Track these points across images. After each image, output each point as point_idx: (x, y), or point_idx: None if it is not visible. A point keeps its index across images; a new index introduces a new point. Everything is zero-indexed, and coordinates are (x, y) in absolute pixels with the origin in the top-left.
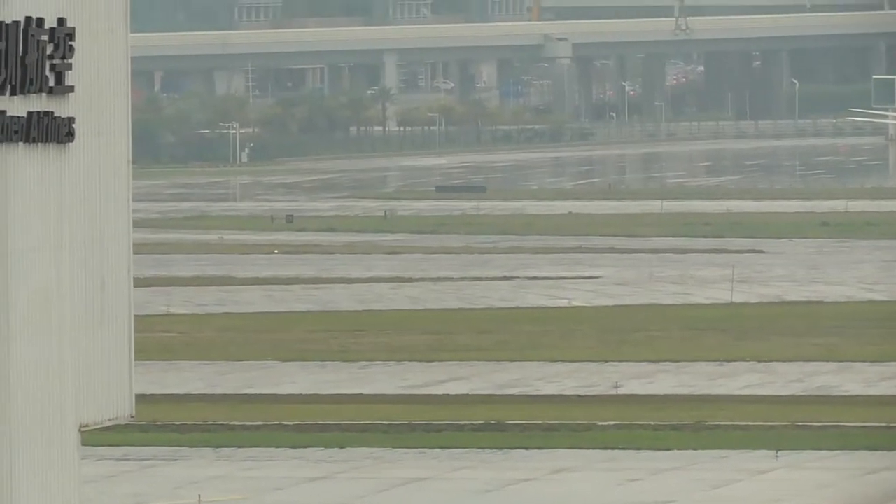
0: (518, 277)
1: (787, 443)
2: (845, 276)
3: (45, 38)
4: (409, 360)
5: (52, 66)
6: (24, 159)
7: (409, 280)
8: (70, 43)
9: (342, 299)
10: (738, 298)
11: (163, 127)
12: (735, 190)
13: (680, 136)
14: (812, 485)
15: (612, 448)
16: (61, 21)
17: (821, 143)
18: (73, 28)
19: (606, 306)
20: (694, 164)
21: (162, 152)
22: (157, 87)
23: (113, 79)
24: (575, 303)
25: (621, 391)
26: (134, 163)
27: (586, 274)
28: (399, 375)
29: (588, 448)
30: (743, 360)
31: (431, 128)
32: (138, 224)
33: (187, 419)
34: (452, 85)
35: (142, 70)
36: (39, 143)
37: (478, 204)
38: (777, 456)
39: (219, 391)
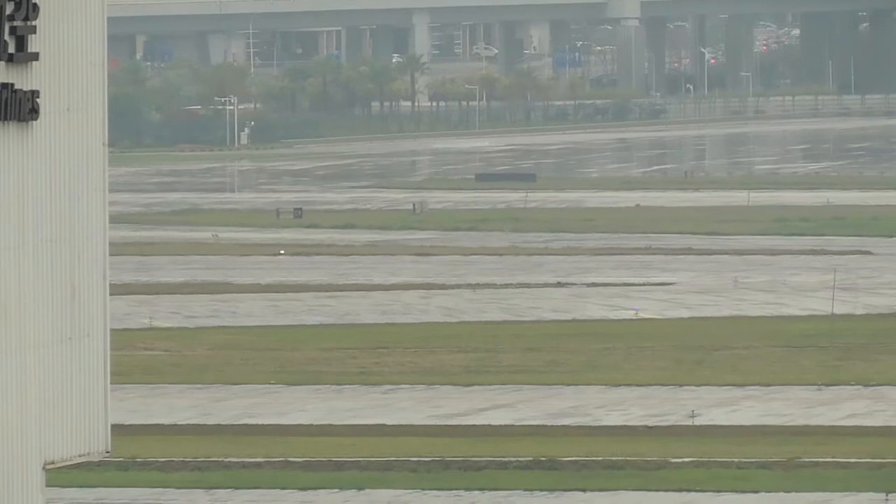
0: (574, 284)
1: None
2: None
3: None
4: (442, 384)
5: (13, 30)
6: None
7: (443, 287)
8: (34, 1)
9: (362, 310)
10: (840, 310)
11: (146, 102)
12: (837, 179)
13: (770, 113)
14: None
15: (688, 490)
16: None
17: None
18: None
19: (681, 318)
20: (787, 148)
21: (145, 133)
22: (139, 55)
23: (86, 44)
24: (643, 315)
25: (699, 421)
26: (111, 145)
27: (657, 280)
28: (430, 402)
29: (658, 490)
30: (847, 384)
31: (470, 103)
32: (116, 219)
33: (174, 455)
34: (496, 52)
35: (121, 34)
36: None
37: (526, 195)
38: (887, 500)
39: (212, 421)
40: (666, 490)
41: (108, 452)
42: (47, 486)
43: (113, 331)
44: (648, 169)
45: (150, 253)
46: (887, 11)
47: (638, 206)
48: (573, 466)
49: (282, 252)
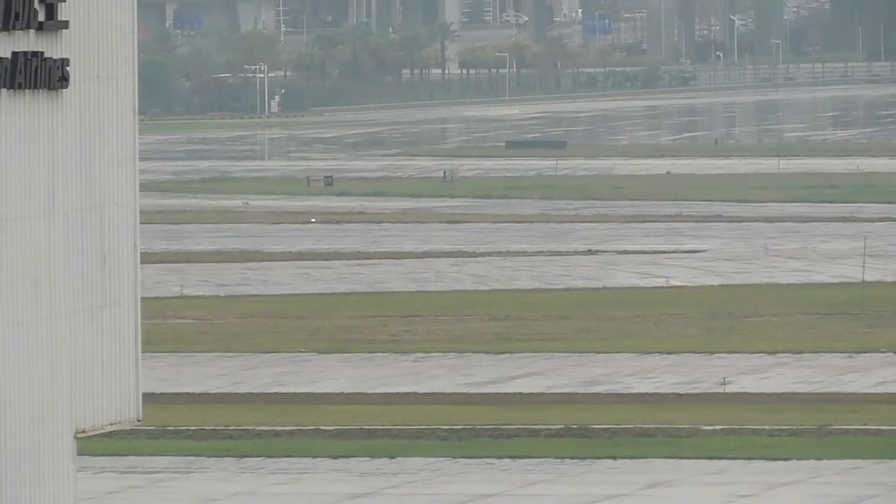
0: (605, 251)
1: None
2: None
3: None
4: (473, 352)
5: None
6: (8, 109)
7: (473, 255)
8: None
9: (392, 278)
10: (870, 277)
11: (176, 70)
12: (868, 145)
13: (801, 80)
14: None
15: (719, 457)
16: None
17: None
18: None
19: (712, 286)
20: (817, 115)
21: (175, 101)
22: (168, 22)
23: (115, 12)
24: (674, 282)
25: (730, 389)
26: (141, 113)
27: (688, 247)
28: (461, 370)
29: (690, 457)
30: (877, 351)
31: (500, 71)
32: (145, 188)
33: (205, 423)
34: (526, 19)
35: (151, 2)
36: (26, 90)
37: (557, 162)
38: None
39: (243, 389)
40: (697, 457)
41: (139, 421)
42: (79, 454)
43: (143, 299)
44: (678, 136)
45: (180, 221)
46: None
47: (668, 173)
48: (604, 434)
49: (313, 220)
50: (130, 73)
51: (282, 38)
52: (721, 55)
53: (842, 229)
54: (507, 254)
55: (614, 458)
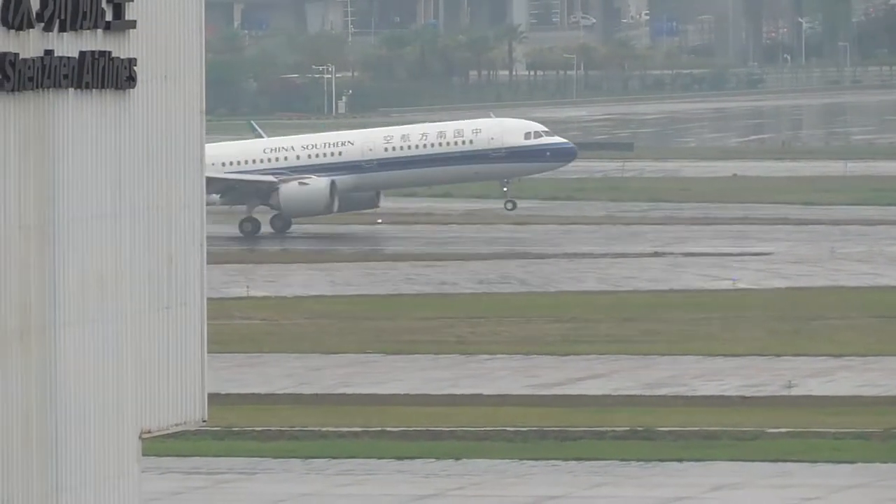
0: (672, 254)
1: None
2: None
3: None
4: (539, 354)
5: None
6: (76, 108)
7: (540, 257)
8: None
9: (459, 279)
10: None
11: (243, 71)
12: None
13: (868, 82)
14: None
15: (784, 460)
16: None
17: None
18: None
19: (778, 289)
20: (885, 118)
21: (242, 101)
22: (237, 23)
23: (183, 12)
24: (740, 284)
25: (795, 392)
26: (208, 113)
27: (754, 250)
28: (526, 372)
29: (754, 460)
30: None
31: (568, 72)
32: None
33: (270, 424)
34: (594, 21)
35: (219, 2)
36: (94, 90)
37: (624, 164)
38: None
39: (309, 390)
40: (762, 460)
41: (204, 421)
42: (144, 454)
43: (209, 300)
44: (745, 138)
45: None
46: None
47: (735, 175)
48: (669, 436)
49: (380, 221)
50: (198, 73)
51: (349, 39)
52: (788, 57)
53: None
54: (574, 255)
55: (680, 460)
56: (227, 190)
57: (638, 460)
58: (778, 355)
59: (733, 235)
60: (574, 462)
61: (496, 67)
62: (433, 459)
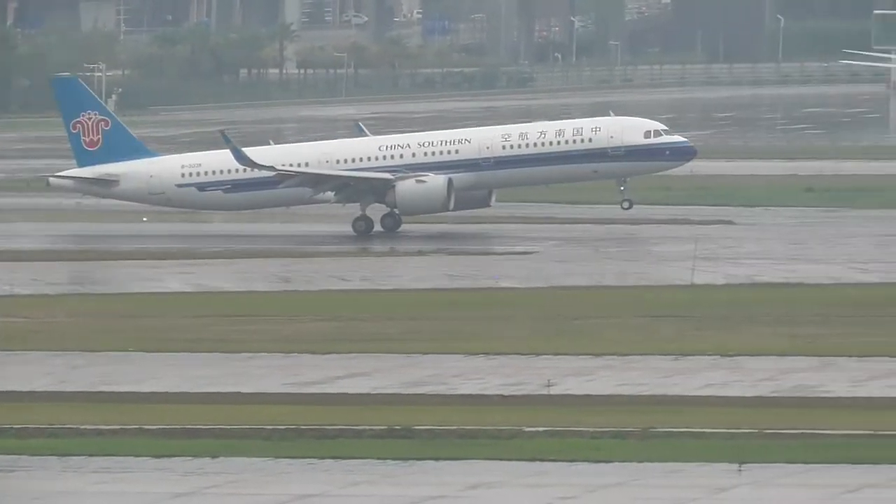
0: (435, 252)
1: (754, 454)
2: (832, 253)
3: None
4: (300, 353)
5: None
6: None
7: (303, 255)
8: None
9: (222, 279)
10: (700, 279)
11: (15, 69)
12: (703, 148)
13: (638, 82)
14: None
15: (541, 459)
16: None
17: (809, 92)
18: None
19: (542, 288)
20: (654, 116)
21: (12, 99)
22: (9, 21)
23: None
24: (503, 283)
25: (554, 391)
26: None
27: (519, 249)
28: (287, 370)
29: (511, 459)
30: (704, 353)
31: (339, 71)
32: None
33: (29, 422)
34: (366, 19)
35: None
36: None
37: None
38: (741, 469)
39: (69, 388)
40: (519, 459)
41: None
42: None
43: None
44: None
45: (12, 220)
46: None
47: None
48: (427, 435)
49: (144, 219)
50: None
51: (121, 37)
52: (559, 56)
53: (674, 231)
54: (337, 254)
55: (436, 459)
56: (341, 187)
57: (395, 459)
58: (538, 354)
59: (498, 234)
60: (331, 460)
61: (267, 66)
62: (191, 457)
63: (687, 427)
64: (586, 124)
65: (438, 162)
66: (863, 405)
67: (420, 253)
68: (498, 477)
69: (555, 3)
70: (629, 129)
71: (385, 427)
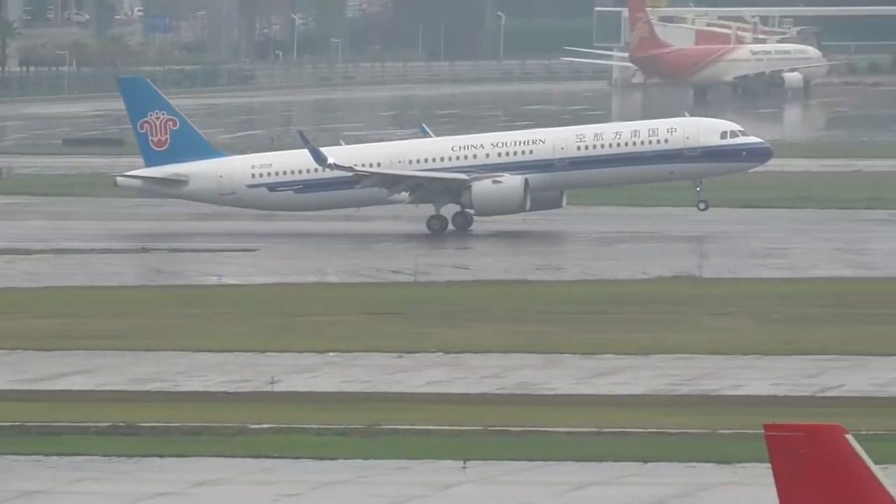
0: (160, 249)
1: (479, 451)
2: (558, 251)
3: None
4: (25, 349)
5: None
6: None
7: (27, 252)
8: None
9: None
10: (424, 277)
11: None
12: None
13: (360, 79)
14: (507, 501)
15: (266, 456)
16: None
17: (530, 89)
18: None
19: (265, 284)
20: (376, 114)
21: None
22: None
23: None
24: (227, 280)
25: (278, 387)
26: None
27: (243, 245)
28: (11, 367)
29: (237, 456)
30: (428, 350)
31: (60, 69)
32: None
33: None
34: (87, 17)
35: None
36: None
37: (115, 160)
38: (465, 467)
39: None
40: (244, 456)
41: None
42: None
43: None
44: (236, 135)
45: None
46: None
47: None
48: (152, 432)
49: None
50: None
51: None
52: (280, 54)
53: (403, 228)
54: (62, 251)
55: (161, 456)
56: (416, 188)
57: (120, 456)
58: (263, 351)
59: (223, 231)
60: (56, 457)
61: None
62: None
63: (412, 424)
64: (662, 125)
65: (512, 162)
66: (586, 402)
67: (143, 250)
68: (224, 474)
69: (276, 1)
70: (705, 130)
71: (110, 424)
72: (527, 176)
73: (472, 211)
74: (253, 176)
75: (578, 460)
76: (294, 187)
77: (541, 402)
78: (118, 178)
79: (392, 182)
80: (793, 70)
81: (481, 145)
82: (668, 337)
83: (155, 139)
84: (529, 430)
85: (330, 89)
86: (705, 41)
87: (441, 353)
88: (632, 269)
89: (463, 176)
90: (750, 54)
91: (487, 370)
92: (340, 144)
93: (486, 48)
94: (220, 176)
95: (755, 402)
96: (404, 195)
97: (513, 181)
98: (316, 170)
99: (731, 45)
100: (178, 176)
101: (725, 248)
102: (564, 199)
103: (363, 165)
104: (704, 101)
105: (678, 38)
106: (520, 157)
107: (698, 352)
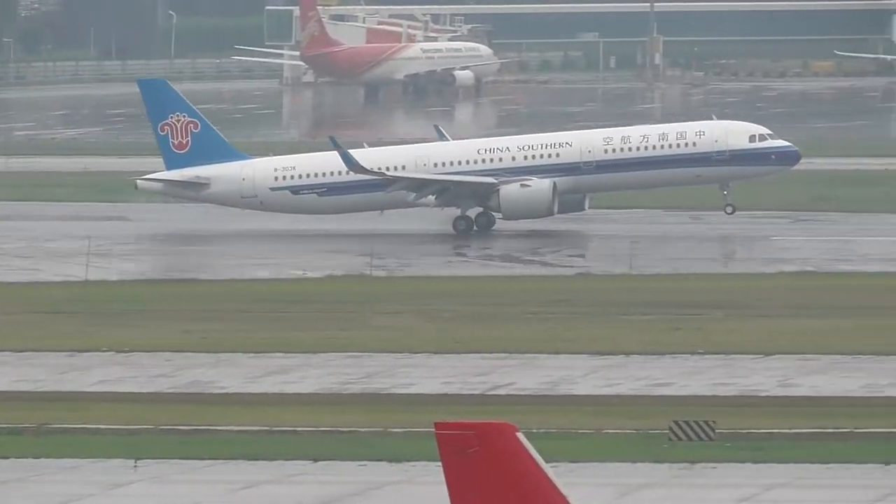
0: None
1: (150, 450)
2: (258, 252)
3: None
4: None
5: None
6: None
7: None
8: None
9: None
10: (94, 275)
11: None
12: (98, 144)
13: (32, 79)
14: (178, 500)
15: None
16: None
17: (201, 88)
18: None
19: None
20: (47, 114)
21: None
22: None
23: None
24: None
25: None
26: None
27: None
28: None
29: None
30: (99, 349)
31: None
32: None
33: None
34: None
35: None
36: None
37: None
38: (136, 466)
39: None
40: None
41: None
42: None
43: None
44: None
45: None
46: None
47: None
48: None
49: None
50: None
51: None
52: None
53: (71, 228)
54: None
55: None
56: (443, 191)
57: None
58: None
59: None
60: None
61: None
62: None
63: (82, 423)
64: (690, 128)
65: (538, 165)
66: (257, 401)
67: None
68: None
69: None
70: (734, 133)
71: None
72: (555, 179)
73: (499, 215)
74: (276, 178)
75: (250, 459)
76: (318, 190)
77: (212, 401)
78: (138, 180)
79: (421, 186)
80: (464, 68)
81: (507, 148)
82: (339, 335)
83: (176, 142)
84: (201, 429)
85: (2, 89)
86: (377, 39)
87: (113, 352)
88: (314, 267)
89: (491, 179)
90: (421, 52)
91: (158, 369)
92: (364, 147)
93: (158, 47)
94: (243, 179)
95: (426, 400)
96: (431, 198)
97: (541, 185)
98: (340, 172)
99: (403, 44)
100: (199, 179)
101: (391, 247)
102: (587, 203)
103: (387, 168)
104: (376, 99)
105: (350, 37)
106: (546, 161)
107: (369, 350)
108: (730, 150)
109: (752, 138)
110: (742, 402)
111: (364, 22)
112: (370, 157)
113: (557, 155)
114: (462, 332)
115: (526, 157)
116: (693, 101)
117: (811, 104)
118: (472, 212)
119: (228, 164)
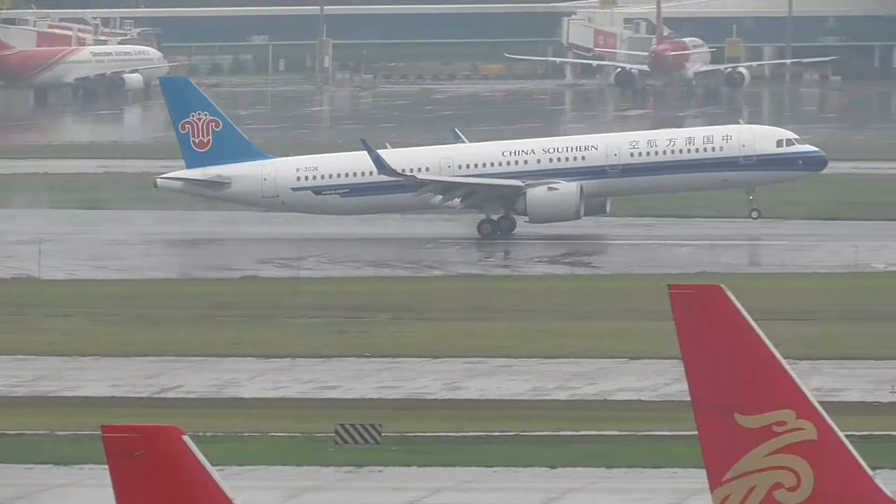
0: None
1: None
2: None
3: None
4: None
5: None
6: None
7: None
8: None
9: None
10: None
11: None
12: None
13: None
14: None
15: None
16: None
17: None
18: None
19: None
20: None
21: None
22: None
23: None
24: None
25: None
26: None
27: None
28: None
29: None
30: None
31: None
32: None
33: None
34: None
35: None
36: None
37: None
38: None
39: None
40: None
41: None
42: None
43: None
44: None
45: None
46: None
47: None
48: None
49: None
50: None
51: None
52: None
53: None
54: None
55: None
56: (468, 194)
57: None
58: None
59: None
60: None
61: None
62: None
63: None
64: (717, 132)
65: (564, 168)
66: None
67: None
68: None
69: None
70: (761, 138)
71: None
72: (581, 182)
73: (525, 218)
74: (298, 179)
75: None
76: (340, 191)
77: None
78: (158, 179)
79: (448, 188)
80: (134, 71)
81: (532, 150)
82: (5, 339)
83: (197, 140)
84: None
85: None
86: (47, 43)
87: None
88: None
89: (518, 182)
90: (91, 56)
91: None
92: (387, 148)
93: None
94: (264, 179)
95: (94, 402)
96: (456, 201)
97: (568, 188)
98: (363, 173)
99: (73, 47)
100: (220, 178)
101: (65, 248)
102: (609, 206)
103: (411, 170)
104: (46, 103)
105: (20, 40)
106: (571, 163)
107: (36, 353)
108: (757, 155)
109: (779, 143)
110: (408, 405)
111: (34, 25)
112: (394, 157)
113: (583, 158)
114: (130, 336)
115: (551, 160)
116: (362, 103)
117: (480, 106)
118: (496, 215)
119: (250, 163)
